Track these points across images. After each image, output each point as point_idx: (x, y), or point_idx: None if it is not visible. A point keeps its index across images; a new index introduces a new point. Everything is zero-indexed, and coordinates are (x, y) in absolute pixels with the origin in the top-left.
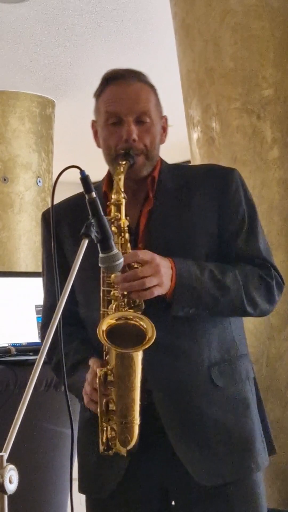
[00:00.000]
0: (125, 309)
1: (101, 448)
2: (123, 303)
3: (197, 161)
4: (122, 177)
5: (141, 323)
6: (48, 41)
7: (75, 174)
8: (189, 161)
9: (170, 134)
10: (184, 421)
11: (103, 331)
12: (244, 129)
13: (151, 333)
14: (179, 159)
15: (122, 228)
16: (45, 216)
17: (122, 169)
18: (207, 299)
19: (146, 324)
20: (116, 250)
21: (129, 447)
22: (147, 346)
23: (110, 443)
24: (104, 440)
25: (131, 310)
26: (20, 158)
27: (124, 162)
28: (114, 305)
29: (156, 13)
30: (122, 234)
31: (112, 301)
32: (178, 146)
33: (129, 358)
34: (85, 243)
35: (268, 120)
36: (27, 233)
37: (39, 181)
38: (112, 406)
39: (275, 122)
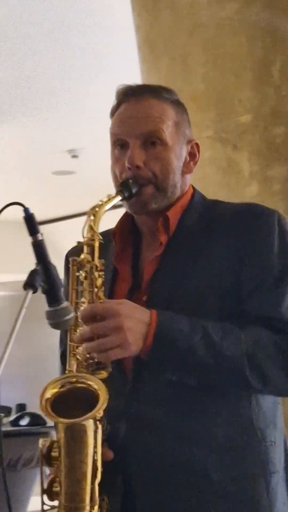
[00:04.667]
0: (87, 370)
1: None
2: (85, 363)
3: None
4: (101, 210)
5: (90, 383)
6: None
7: (19, 211)
8: None
9: None
10: None
11: (46, 400)
12: (217, 161)
13: (104, 395)
14: None
15: (93, 273)
16: (67, 256)
17: (103, 201)
18: (194, 365)
19: (96, 384)
20: (65, 303)
21: None
22: (97, 413)
23: None
24: None
25: (103, 371)
26: None
27: (113, 195)
28: (75, 365)
29: (117, 24)
30: (94, 280)
31: (78, 358)
32: None
33: (78, 429)
34: (28, 294)
35: (245, 151)
36: None
37: None
38: (56, 487)
39: (253, 153)
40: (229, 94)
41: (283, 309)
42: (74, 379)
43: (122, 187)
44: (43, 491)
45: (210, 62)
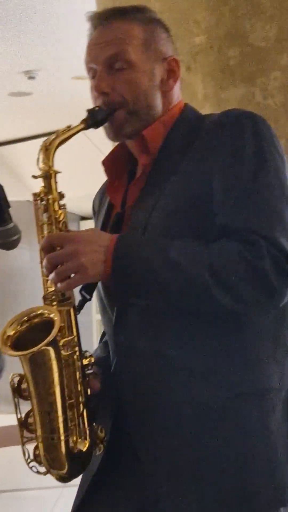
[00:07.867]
0: (53, 304)
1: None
2: (53, 297)
3: None
4: (57, 141)
5: (45, 314)
6: None
7: None
8: None
9: (79, 89)
10: (159, 445)
11: (6, 337)
12: None
13: (58, 321)
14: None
15: (52, 206)
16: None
17: (60, 132)
18: (156, 286)
19: (51, 312)
20: (12, 224)
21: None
22: (51, 338)
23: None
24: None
25: (67, 304)
26: None
27: (75, 125)
28: (43, 300)
29: None
30: (53, 212)
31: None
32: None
33: (39, 359)
34: None
35: (199, 72)
36: None
37: None
38: (31, 420)
39: (207, 75)
40: (184, 14)
41: (254, 218)
42: (32, 314)
43: (88, 115)
44: (20, 424)
45: None
